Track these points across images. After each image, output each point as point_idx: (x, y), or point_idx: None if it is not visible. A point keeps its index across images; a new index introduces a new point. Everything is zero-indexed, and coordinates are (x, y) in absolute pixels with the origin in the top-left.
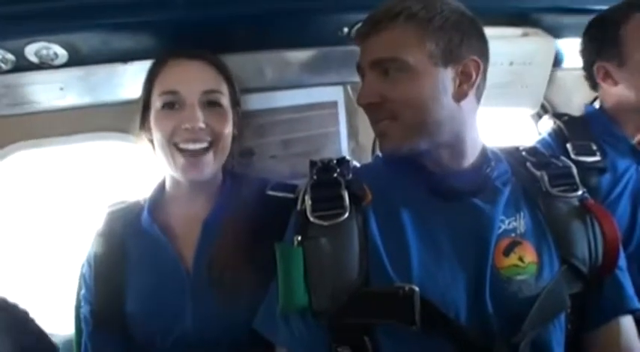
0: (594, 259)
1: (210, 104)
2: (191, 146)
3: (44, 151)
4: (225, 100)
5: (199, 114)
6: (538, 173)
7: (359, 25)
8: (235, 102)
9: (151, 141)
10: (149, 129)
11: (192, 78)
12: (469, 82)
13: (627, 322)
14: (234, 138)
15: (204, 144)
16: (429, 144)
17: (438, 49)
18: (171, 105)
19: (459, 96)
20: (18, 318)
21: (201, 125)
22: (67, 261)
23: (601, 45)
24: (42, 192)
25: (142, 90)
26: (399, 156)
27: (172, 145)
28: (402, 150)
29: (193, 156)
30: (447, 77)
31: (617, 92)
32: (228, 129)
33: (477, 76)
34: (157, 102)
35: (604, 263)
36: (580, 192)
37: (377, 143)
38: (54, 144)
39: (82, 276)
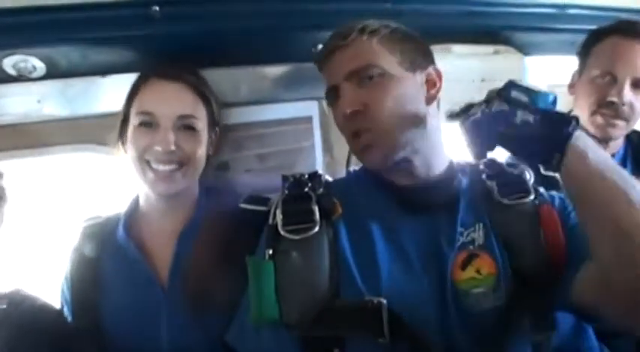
0: (541, 265)
1: (185, 127)
2: (161, 167)
3: (22, 162)
4: (201, 124)
5: (171, 137)
6: (490, 183)
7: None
8: (213, 123)
9: (126, 152)
10: (125, 142)
11: (169, 101)
12: (435, 88)
13: None
14: (208, 156)
15: (174, 166)
16: (410, 151)
17: (405, 56)
18: (148, 124)
19: (430, 100)
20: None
21: (172, 148)
22: (48, 275)
23: (580, 54)
24: (20, 204)
25: (124, 103)
26: (386, 168)
27: (144, 161)
28: (388, 160)
29: (162, 173)
30: (417, 82)
31: None
32: (201, 152)
33: (439, 82)
34: (134, 119)
35: (552, 269)
36: (531, 197)
37: (351, 157)
38: (32, 155)
39: (62, 292)
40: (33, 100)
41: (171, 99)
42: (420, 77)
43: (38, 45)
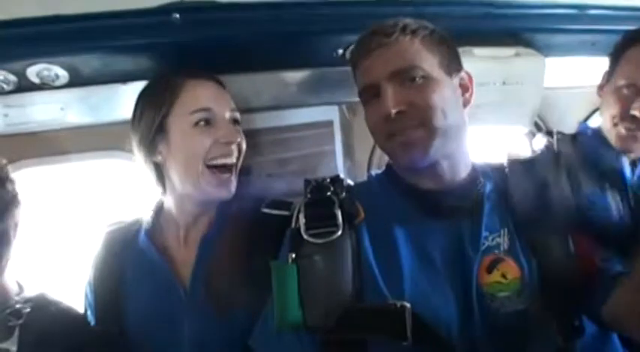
0: (571, 273)
1: (234, 122)
2: (228, 160)
3: (47, 169)
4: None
5: (234, 129)
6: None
7: (356, 44)
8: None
9: (155, 163)
10: (160, 152)
11: (221, 95)
12: (468, 92)
13: None
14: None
15: (234, 160)
16: (447, 151)
17: (443, 59)
18: (206, 121)
19: (465, 103)
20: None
21: (238, 139)
22: (73, 278)
23: (611, 56)
24: (46, 209)
25: (152, 113)
26: (421, 168)
27: (203, 164)
28: (430, 158)
29: (224, 173)
30: (455, 85)
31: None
32: (245, 146)
33: (471, 87)
34: (185, 122)
35: (582, 276)
36: None
37: (372, 161)
38: (56, 162)
39: (85, 296)
40: (56, 108)
41: (221, 94)
42: (455, 80)
43: (61, 54)
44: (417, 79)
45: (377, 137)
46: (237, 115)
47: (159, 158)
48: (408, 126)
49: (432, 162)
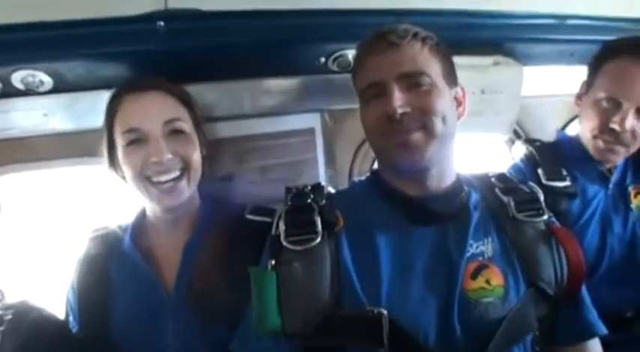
0: (559, 281)
1: (174, 133)
2: (163, 178)
3: (30, 175)
4: (188, 126)
5: (164, 146)
6: (505, 198)
7: (340, 52)
8: (199, 123)
9: (123, 177)
10: (118, 166)
11: (150, 111)
12: (462, 107)
13: (594, 345)
14: (204, 157)
15: (176, 173)
16: (433, 161)
17: (445, 70)
18: (136, 141)
19: (459, 117)
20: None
21: (169, 156)
22: (55, 283)
23: (590, 66)
24: (29, 214)
25: (105, 129)
26: (418, 169)
27: (145, 179)
28: (426, 161)
29: (167, 186)
30: (452, 97)
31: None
32: (197, 154)
33: (464, 102)
34: (120, 140)
35: (569, 285)
36: (545, 217)
37: (353, 169)
38: (39, 168)
39: (68, 301)
40: (40, 114)
41: (152, 109)
42: (453, 92)
43: (45, 60)
44: (424, 84)
45: (373, 135)
46: (178, 126)
47: (121, 173)
48: (409, 128)
49: (425, 167)
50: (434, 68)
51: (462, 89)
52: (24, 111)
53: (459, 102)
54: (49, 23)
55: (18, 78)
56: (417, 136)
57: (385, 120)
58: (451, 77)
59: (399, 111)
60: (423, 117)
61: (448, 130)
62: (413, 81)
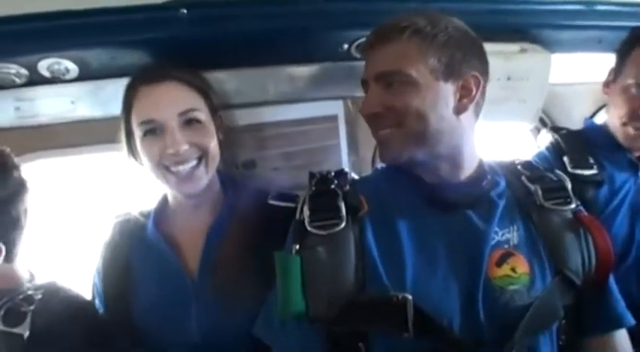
0: (587, 270)
1: (189, 122)
2: (180, 168)
3: (57, 161)
4: (203, 115)
5: (180, 137)
6: (532, 186)
7: (363, 39)
8: (215, 110)
9: (142, 164)
10: (137, 155)
11: (165, 102)
12: (469, 97)
13: (622, 336)
14: (221, 144)
15: (193, 163)
16: (428, 154)
17: (440, 64)
18: (152, 131)
19: (459, 110)
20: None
21: (185, 147)
22: (82, 267)
23: (618, 53)
24: (57, 200)
25: (122, 119)
26: (399, 164)
27: (163, 168)
28: (402, 158)
29: (184, 174)
30: (447, 91)
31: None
32: (214, 142)
33: (476, 91)
34: (137, 131)
35: (597, 274)
36: (573, 205)
37: (377, 154)
38: (66, 154)
39: (94, 285)
40: (67, 101)
41: (167, 100)
42: (451, 86)
43: (71, 48)
44: (399, 84)
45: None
46: (193, 115)
47: (140, 161)
48: (380, 127)
49: (416, 162)
50: (418, 64)
51: (476, 77)
52: (51, 99)
53: (467, 93)
54: (74, 12)
55: (44, 66)
56: (385, 133)
57: (366, 118)
58: (453, 70)
59: (366, 112)
60: (396, 117)
61: (433, 126)
62: (388, 80)
